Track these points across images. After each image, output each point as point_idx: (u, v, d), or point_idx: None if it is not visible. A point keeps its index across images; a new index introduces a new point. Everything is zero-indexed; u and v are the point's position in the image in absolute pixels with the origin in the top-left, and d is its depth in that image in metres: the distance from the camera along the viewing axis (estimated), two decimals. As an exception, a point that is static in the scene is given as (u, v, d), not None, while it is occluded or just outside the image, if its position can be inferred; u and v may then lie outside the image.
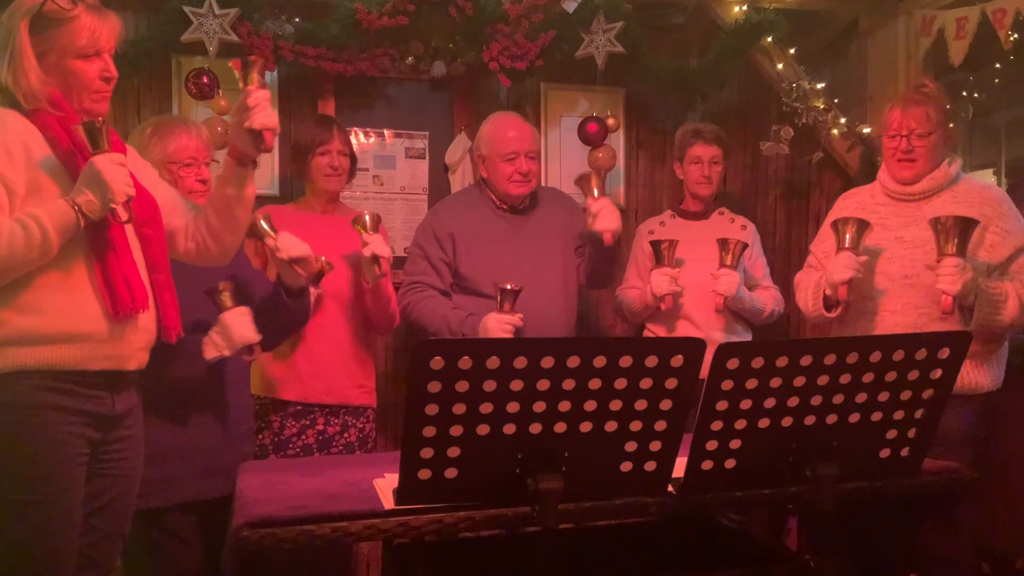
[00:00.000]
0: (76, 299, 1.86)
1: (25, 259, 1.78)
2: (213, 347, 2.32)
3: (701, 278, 3.09)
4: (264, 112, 2.02)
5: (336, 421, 2.87)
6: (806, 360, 1.64)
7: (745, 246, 3.04)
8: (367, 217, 2.71)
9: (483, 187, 3.00)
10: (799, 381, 1.66)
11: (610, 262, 2.99)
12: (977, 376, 2.56)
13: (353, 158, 2.99)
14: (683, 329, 3.13)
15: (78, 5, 1.89)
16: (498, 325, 2.68)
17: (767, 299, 3.18)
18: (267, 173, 3.40)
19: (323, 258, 2.63)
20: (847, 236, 2.58)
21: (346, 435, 2.89)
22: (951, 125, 2.74)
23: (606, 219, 2.79)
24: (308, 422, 2.84)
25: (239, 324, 2.33)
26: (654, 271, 3.01)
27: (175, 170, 2.45)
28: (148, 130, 2.47)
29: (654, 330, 3.21)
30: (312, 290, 2.66)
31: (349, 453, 2.88)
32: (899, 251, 2.65)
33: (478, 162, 3.01)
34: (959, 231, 2.39)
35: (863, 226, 2.59)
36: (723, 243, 3.00)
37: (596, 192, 2.82)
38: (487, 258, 2.85)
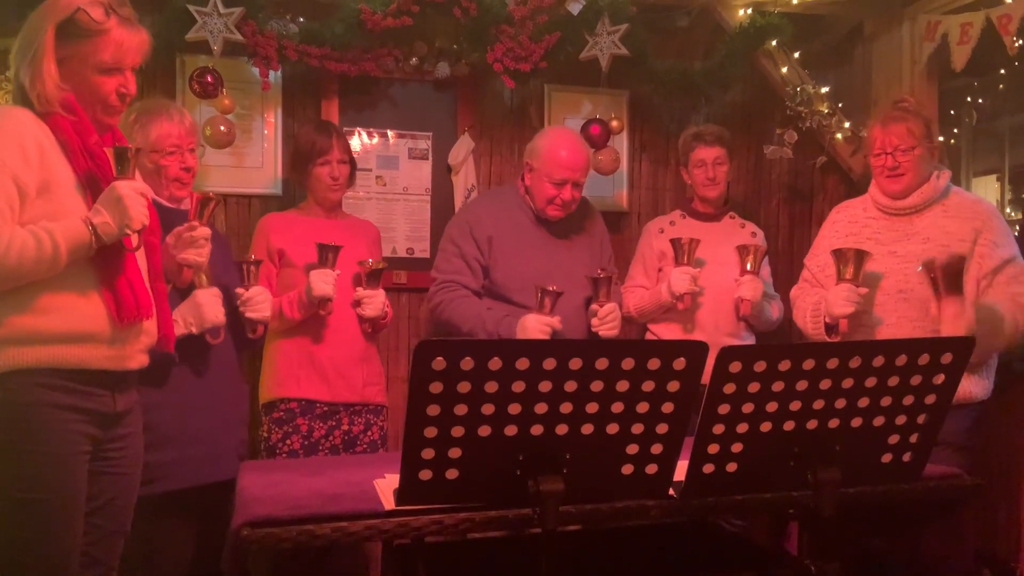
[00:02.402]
0: (80, 301, 1.86)
1: (33, 271, 1.78)
2: (183, 323, 2.36)
3: (711, 280, 3.08)
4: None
5: (360, 420, 2.89)
6: (808, 364, 1.64)
7: (766, 252, 3.03)
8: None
9: (523, 193, 2.98)
10: (801, 385, 1.66)
11: None
12: (970, 386, 2.57)
13: (352, 163, 2.98)
14: (689, 333, 3.12)
15: (111, 17, 1.88)
16: (537, 326, 2.67)
17: (774, 308, 3.20)
18: (270, 174, 3.40)
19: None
20: (848, 268, 2.58)
21: (369, 433, 2.91)
22: (934, 138, 2.74)
23: (609, 327, 2.85)
24: (335, 423, 2.85)
25: (211, 304, 2.42)
26: (675, 269, 2.99)
27: (157, 159, 2.44)
28: (131, 117, 2.45)
29: (657, 332, 3.20)
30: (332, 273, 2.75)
31: (373, 452, 2.90)
32: (893, 265, 2.66)
33: (525, 168, 2.97)
34: (953, 271, 2.41)
35: (862, 256, 2.58)
36: (743, 249, 2.98)
37: (602, 297, 2.85)
38: (521, 265, 2.84)
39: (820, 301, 2.71)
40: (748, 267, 2.98)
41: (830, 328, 2.68)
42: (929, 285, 2.47)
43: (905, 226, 2.70)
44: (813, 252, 2.92)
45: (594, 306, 2.86)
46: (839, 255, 2.61)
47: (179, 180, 2.49)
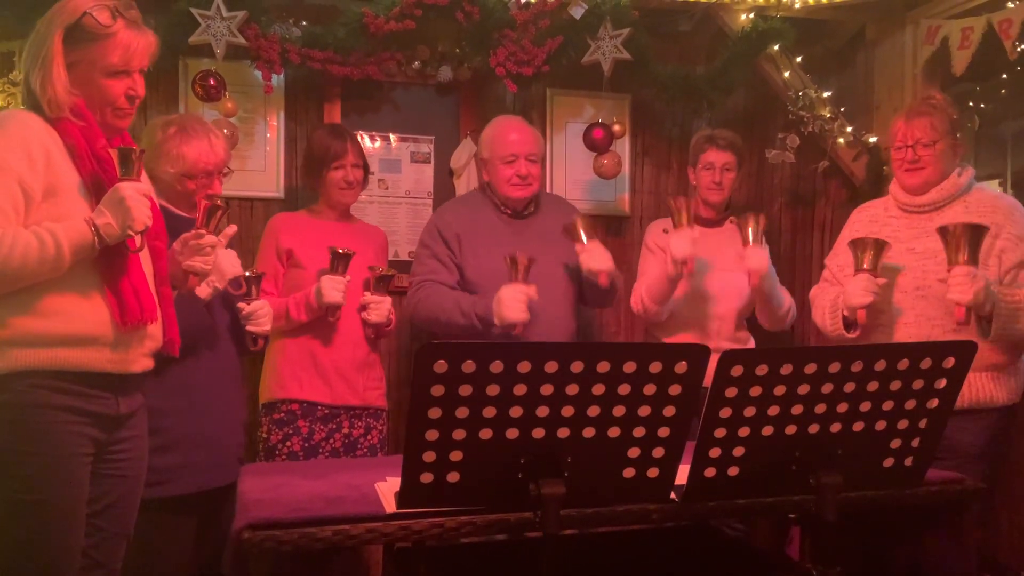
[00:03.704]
0: (84, 304, 1.87)
1: (36, 272, 1.78)
2: (206, 285, 2.36)
3: (715, 287, 3.08)
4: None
5: (360, 424, 2.89)
6: (810, 368, 1.63)
7: (765, 220, 2.93)
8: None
9: (486, 191, 3.00)
10: (803, 389, 1.65)
11: (608, 295, 2.97)
12: (994, 390, 2.54)
13: (366, 167, 2.99)
14: (692, 338, 3.09)
15: (117, 20, 1.89)
16: (513, 295, 2.64)
17: (786, 294, 3.10)
18: (273, 177, 3.40)
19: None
20: (866, 257, 2.54)
21: (369, 437, 2.92)
22: (958, 135, 2.68)
23: (598, 261, 2.78)
24: (335, 426, 2.85)
25: (227, 259, 2.42)
26: (673, 233, 2.87)
27: (188, 184, 2.44)
28: (172, 129, 2.44)
29: (658, 339, 3.19)
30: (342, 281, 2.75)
31: (373, 456, 2.89)
32: (911, 263, 2.62)
33: (480, 166, 3.01)
34: (969, 239, 2.34)
35: (881, 246, 2.55)
36: (743, 220, 2.86)
37: (584, 237, 2.80)
38: (491, 261, 2.83)
39: (839, 296, 2.67)
40: (750, 239, 2.86)
41: (848, 323, 2.64)
42: (944, 251, 2.38)
43: (924, 223, 2.65)
44: (834, 252, 2.89)
45: (578, 247, 2.81)
46: (857, 245, 2.57)
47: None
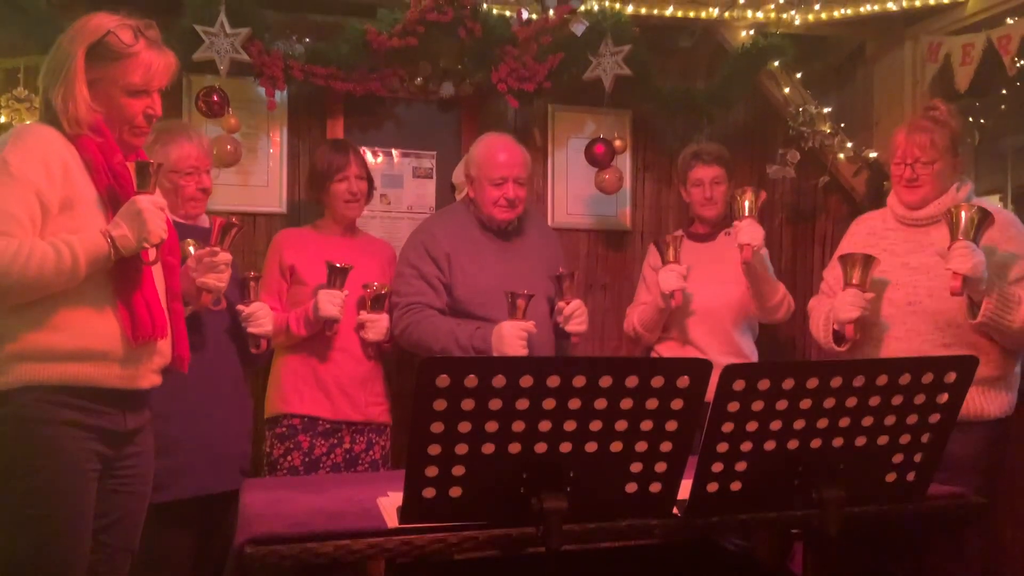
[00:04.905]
0: (95, 319, 1.87)
1: (52, 282, 1.79)
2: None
3: (708, 300, 3.08)
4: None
5: (362, 439, 2.89)
6: (812, 383, 1.64)
7: (765, 195, 2.94)
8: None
9: (470, 207, 2.97)
10: (805, 404, 1.66)
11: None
12: (983, 402, 2.54)
13: (370, 180, 3.00)
14: (690, 353, 3.10)
15: (139, 40, 1.91)
16: (514, 332, 2.64)
17: (780, 286, 3.09)
18: (275, 192, 3.42)
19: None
20: (855, 273, 2.56)
21: (371, 452, 2.91)
22: (959, 151, 2.69)
23: (577, 323, 2.84)
24: (336, 440, 2.85)
25: None
26: (661, 269, 2.95)
27: (176, 179, 2.50)
28: (150, 137, 2.44)
29: (660, 351, 3.20)
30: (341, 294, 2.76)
31: (374, 471, 2.88)
32: (904, 278, 2.63)
33: (467, 181, 2.98)
34: (974, 220, 2.34)
35: (870, 262, 2.57)
36: (741, 192, 2.87)
37: (567, 294, 2.84)
38: (480, 279, 2.83)
39: (831, 312, 2.68)
40: (745, 212, 2.86)
41: (839, 337, 2.65)
42: (937, 266, 2.40)
43: (921, 237, 2.66)
44: (831, 264, 2.89)
45: (560, 304, 2.85)
46: (846, 260, 2.59)
47: (195, 199, 2.55)
